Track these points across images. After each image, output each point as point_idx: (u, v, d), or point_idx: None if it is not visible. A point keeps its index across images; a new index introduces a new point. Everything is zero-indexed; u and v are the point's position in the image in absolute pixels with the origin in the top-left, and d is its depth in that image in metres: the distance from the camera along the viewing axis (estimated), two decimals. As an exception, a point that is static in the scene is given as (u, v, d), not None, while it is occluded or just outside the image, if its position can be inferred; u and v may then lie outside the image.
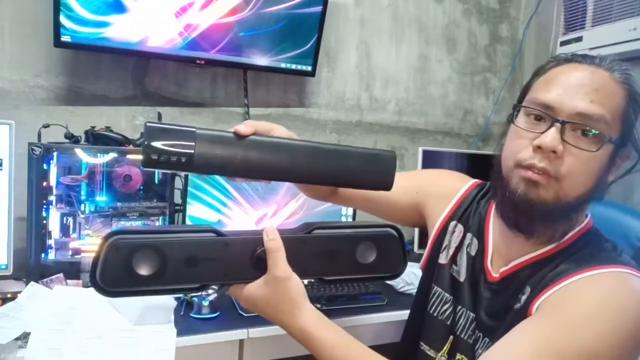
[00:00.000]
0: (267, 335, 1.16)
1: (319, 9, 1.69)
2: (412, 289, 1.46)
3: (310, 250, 0.61)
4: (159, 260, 0.53)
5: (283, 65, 1.70)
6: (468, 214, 0.87)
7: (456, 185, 0.91)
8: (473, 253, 0.83)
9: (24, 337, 0.97)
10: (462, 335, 0.79)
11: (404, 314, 1.31)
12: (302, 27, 1.69)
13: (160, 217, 1.42)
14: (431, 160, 1.81)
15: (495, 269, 0.78)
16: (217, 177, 1.48)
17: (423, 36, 2.07)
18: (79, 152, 1.32)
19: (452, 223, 0.88)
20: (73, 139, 1.37)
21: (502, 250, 0.78)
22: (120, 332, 1.02)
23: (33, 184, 1.26)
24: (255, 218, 1.54)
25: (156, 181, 1.43)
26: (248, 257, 0.58)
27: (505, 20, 2.26)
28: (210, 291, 0.61)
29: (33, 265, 1.26)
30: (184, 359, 1.03)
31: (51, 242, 1.31)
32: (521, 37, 2.25)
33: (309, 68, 1.75)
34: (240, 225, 1.51)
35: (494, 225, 0.81)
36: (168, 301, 1.11)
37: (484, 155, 1.95)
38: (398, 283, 1.50)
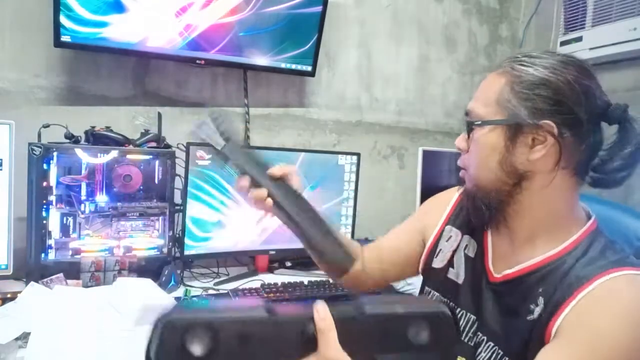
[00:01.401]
0: (267, 335, 1.16)
1: (319, 9, 1.69)
2: (412, 289, 1.47)
3: (361, 329, 0.59)
4: (212, 339, 0.52)
5: (283, 65, 1.70)
6: (463, 218, 0.87)
7: (449, 195, 0.94)
8: (472, 254, 0.83)
9: (24, 337, 0.97)
10: (463, 338, 0.79)
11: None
12: (302, 27, 1.69)
13: (160, 217, 1.42)
14: (431, 160, 1.81)
15: (498, 270, 0.77)
16: (217, 177, 1.48)
17: (423, 36, 2.07)
18: (79, 152, 1.32)
19: (447, 228, 0.89)
20: (73, 139, 1.37)
21: (506, 253, 0.78)
22: (120, 332, 1.02)
23: (33, 184, 1.26)
24: (256, 218, 1.54)
25: (156, 181, 1.43)
26: (299, 336, 0.56)
27: (505, 20, 2.26)
28: None
29: (33, 265, 1.26)
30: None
31: (51, 242, 1.31)
32: (521, 37, 2.25)
33: (309, 68, 1.75)
34: (240, 225, 1.51)
35: (490, 228, 0.82)
36: (168, 301, 1.11)
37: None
38: (398, 283, 1.50)
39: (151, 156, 1.41)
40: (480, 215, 0.76)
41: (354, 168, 1.71)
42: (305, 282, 1.40)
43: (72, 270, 1.30)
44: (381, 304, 0.62)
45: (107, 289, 1.17)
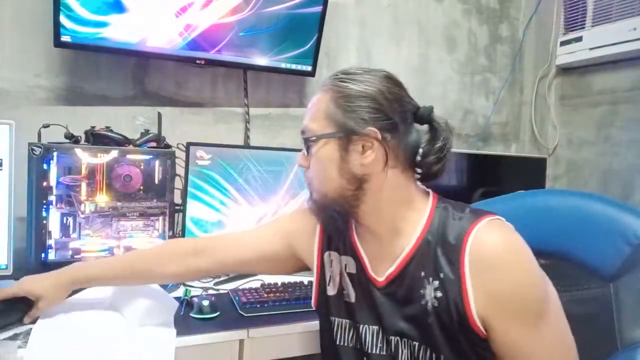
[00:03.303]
0: (267, 335, 1.16)
1: (319, 9, 1.69)
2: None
3: None
4: None
5: (283, 65, 1.70)
6: (334, 239, 0.91)
7: (310, 221, 0.94)
8: (354, 271, 0.87)
9: (24, 337, 0.97)
10: (374, 351, 0.82)
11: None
12: (302, 27, 1.69)
13: (160, 217, 1.42)
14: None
15: (381, 274, 0.82)
16: (217, 177, 1.48)
17: (423, 36, 2.07)
18: (79, 152, 1.32)
19: (327, 254, 0.92)
20: (73, 139, 1.37)
21: (380, 254, 0.83)
22: (121, 333, 1.01)
23: (33, 184, 1.26)
24: (256, 218, 1.54)
25: (156, 181, 1.43)
26: None
27: (505, 20, 2.26)
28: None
29: (33, 265, 1.26)
30: (184, 359, 1.03)
31: (51, 242, 1.30)
32: (521, 37, 2.25)
33: (309, 68, 1.75)
34: (240, 225, 1.51)
35: (359, 237, 0.87)
36: (170, 302, 1.10)
37: (483, 155, 1.95)
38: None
39: (151, 156, 1.41)
40: (335, 223, 0.82)
41: (354, 168, 1.71)
42: (305, 282, 1.40)
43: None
44: None
45: (108, 290, 1.17)
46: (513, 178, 1.95)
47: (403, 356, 0.80)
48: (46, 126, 1.35)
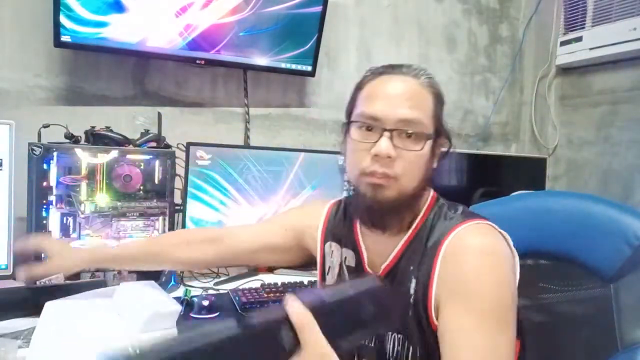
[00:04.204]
0: (267, 335, 1.16)
1: (319, 9, 1.69)
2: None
3: (327, 317, 0.55)
4: None
5: (283, 65, 1.70)
6: (337, 230, 0.92)
7: (319, 209, 0.97)
8: (353, 264, 0.88)
9: (25, 336, 0.97)
10: (364, 342, 0.83)
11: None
12: (302, 27, 1.69)
13: (160, 217, 1.42)
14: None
15: (377, 268, 0.83)
16: (217, 177, 1.49)
17: (423, 36, 2.07)
18: (79, 152, 1.32)
19: (328, 244, 0.93)
20: (73, 139, 1.37)
21: (377, 250, 0.84)
22: (122, 337, 1.01)
23: (33, 184, 1.26)
24: (256, 218, 1.54)
25: (156, 181, 1.43)
26: (277, 338, 0.51)
27: (505, 20, 2.26)
28: None
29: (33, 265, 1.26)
30: (184, 359, 1.03)
31: (51, 242, 1.31)
32: (521, 37, 2.25)
33: (309, 68, 1.75)
34: (240, 223, 1.52)
35: (361, 231, 0.87)
36: (174, 307, 1.10)
37: (483, 155, 1.95)
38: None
39: (151, 156, 1.41)
40: (389, 221, 0.80)
41: (354, 168, 1.71)
42: (305, 282, 1.40)
43: (72, 270, 1.30)
44: (332, 290, 0.62)
45: (111, 292, 1.17)
46: (513, 178, 1.95)
47: (390, 348, 0.80)
48: (46, 126, 1.35)
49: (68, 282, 1.26)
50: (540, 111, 2.20)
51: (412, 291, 0.77)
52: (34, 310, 1.05)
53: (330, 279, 0.92)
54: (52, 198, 1.30)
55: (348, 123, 0.82)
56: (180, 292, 1.33)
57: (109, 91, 1.58)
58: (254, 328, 0.50)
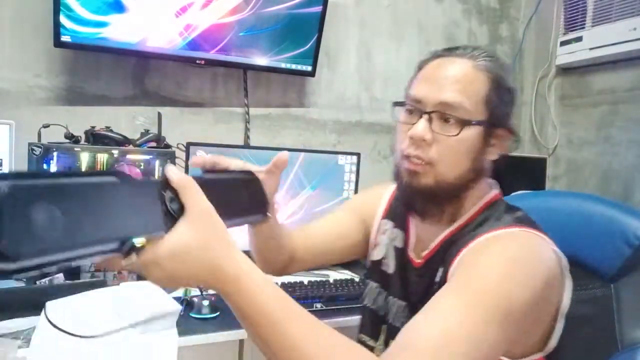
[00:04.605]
0: (267, 335, 1.16)
1: (319, 9, 1.69)
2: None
3: (206, 193, 0.55)
4: (64, 215, 0.41)
5: (283, 65, 1.70)
6: (395, 209, 0.91)
7: (385, 188, 0.96)
8: (400, 245, 0.87)
9: (25, 336, 0.97)
10: (395, 324, 0.83)
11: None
12: (302, 27, 1.69)
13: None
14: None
15: (418, 255, 0.82)
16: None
17: (423, 36, 2.07)
18: (78, 152, 1.32)
19: (384, 221, 0.93)
20: (73, 139, 1.37)
21: (423, 237, 0.82)
22: (123, 337, 1.01)
23: (33, 184, 1.26)
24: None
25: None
26: (159, 203, 0.49)
27: (505, 20, 2.26)
28: (127, 258, 0.46)
29: (33, 265, 1.26)
30: (184, 359, 1.03)
31: (51, 242, 1.30)
32: (521, 37, 2.25)
33: (309, 68, 1.75)
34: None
35: (413, 216, 0.85)
36: (173, 307, 1.10)
37: (484, 155, 1.95)
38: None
39: (151, 156, 1.41)
40: (427, 209, 0.76)
41: (354, 168, 1.71)
42: (305, 282, 1.40)
43: (72, 270, 1.30)
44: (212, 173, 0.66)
45: (111, 293, 1.17)
46: (513, 178, 1.94)
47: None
48: (46, 126, 1.35)
49: (68, 282, 1.26)
50: (540, 111, 2.20)
51: (437, 279, 0.74)
52: (34, 310, 1.05)
53: (376, 255, 0.91)
54: (52, 198, 1.30)
55: (396, 104, 0.80)
56: (180, 292, 1.33)
57: (109, 91, 1.58)
58: (133, 181, 0.49)
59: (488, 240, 0.69)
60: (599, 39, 1.83)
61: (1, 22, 1.43)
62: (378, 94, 2.01)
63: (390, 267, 0.88)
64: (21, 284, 1.28)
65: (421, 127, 0.72)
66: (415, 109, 0.74)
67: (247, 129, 1.78)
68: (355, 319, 1.25)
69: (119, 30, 1.45)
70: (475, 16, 2.18)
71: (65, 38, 1.39)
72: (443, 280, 0.71)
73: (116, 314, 1.07)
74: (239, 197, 0.66)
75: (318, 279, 1.47)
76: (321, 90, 1.91)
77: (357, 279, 1.49)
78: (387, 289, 0.87)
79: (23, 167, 1.26)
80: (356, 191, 1.72)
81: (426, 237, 0.81)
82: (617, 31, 1.75)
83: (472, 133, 0.72)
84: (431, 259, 0.79)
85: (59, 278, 1.25)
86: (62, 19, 1.37)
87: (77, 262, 0.43)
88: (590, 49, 1.86)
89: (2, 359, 0.92)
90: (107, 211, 0.45)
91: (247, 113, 1.78)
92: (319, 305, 1.28)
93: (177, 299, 1.20)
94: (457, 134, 0.71)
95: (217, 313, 1.20)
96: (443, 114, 0.71)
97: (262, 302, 0.52)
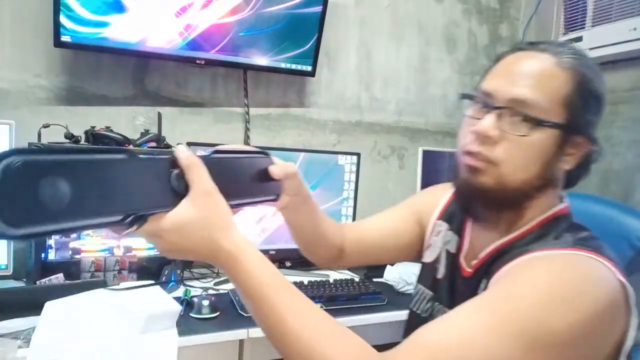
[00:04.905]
0: (267, 335, 1.16)
1: (319, 9, 1.69)
2: (412, 289, 1.46)
3: (213, 174, 0.57)
4: (72, 188, 0.43)
5: (283, 65, 1.70)
6: (452, 212, 0.87)
7: (445, 189, 0.92)
8: (453, 250, 0.83)
9: (25, 336, 0.97)
10: (415, 310, 0.81)
11: (403, 314, 1.32)
12: (302, 27, 1.69)
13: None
14: (431, 160, 1.81)
15: (469, 264, 0.77)
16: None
17: (423, 36, 2.07)
18: (79, 152, 1.32)
19: (439, 222, 0.89)
20: (73, 139, 1.37)
21: (477, 244, 0.77)
22: (123, 337, 1.01)
23: (33, 184, 1.26)
24: (256, 218, 1.54)
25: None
26: (166, 180, 0.52)
27: (505, 20, 2.26)
28: (128, 229, 0.50)
29: (33, 265, 1.26)
30: (184, 359, 1.03)
31: (51, 242, 1.30)
32: (521, 37, 2.25)
33: (309, 68, 1.75)
34: (239, 224, 1.51)
35: (470, 221, 0.81)
36: (173, 307, 1.10)
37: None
38: (398, 283, 1.50)
39: (151, 156, 1.41)
40: (483, 212, 0.71)
41: (354, 168, 1.71)
42: (306, 282, 1.40)
43: (72, 271, 1.30)
44: (228, 153, 0.65)
45: (111, 293, 1.17)
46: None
47: None
48: (46, 126, 1.35)
49: (68, 282, 1.26)
50: (540, 111, 2.20)
51: (478, 292, 0.69)
52: (34, 310, 1.05)
53: (428, 257, 0.88)
54: (52, 198, 1.30)
55: (464, 97, 0.74)
56: (180, 292, 1.33)
57: (109, 91, 1.58)
58: (143, 159, 0.51)
59: (538, 259, 0.63)
60: (599, 39, 1.83)
61: (1, 22, 1.43)
62: (378, 94, 2.01)
63: (440, 272, 0.84)
64: (21, 284, 1.29)
65: (488, 122, 0.66)
66: (485, 103, 0.68)
67: (247, 129, 1.78)
68: (355, 319, 1.26)
69: (119, 30, 1.45)
70: (475, 16, 2.18)
71: (65, 38, 1.39)
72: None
73: (116, 314, 1.07)
74: (250, 176, 0.68)
75: (318, 279, 1.47)
76: (321, 90, 1.91)
77: (357, 279, 1.49)
78: (435, 295, 0.84)
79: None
80: (356, 191, 1.72)
81: (479, 244, 0.76)
82: (617, 31, 1.75)
83: (545, 136, 0.65)
84: (479, 269, 0.74)
85: (59, 278, 1.26)
86: (62, 19, 1.37)
87: (80, 231, 0.46)
88: (590, 49, 1.86)
89: (2, 359, 0.92)
90: (114, 186, 0.47)
91: (247, 113, 1.78)
92: (318, 305, 1.29)
93: (177, 299, 1.20)
94: (528, 134, 0.64)
95: (217, 313, 1.20)
96: (514, 110, 0.65)
97: (255, 278, 0.54)
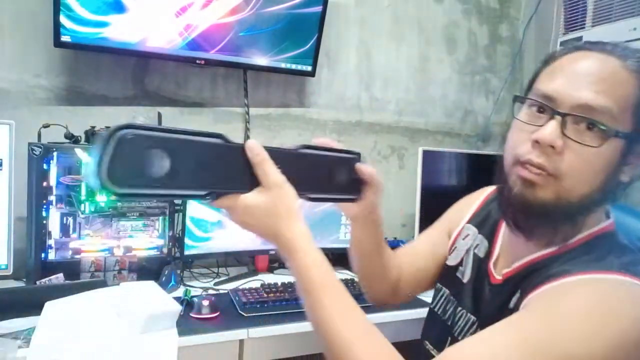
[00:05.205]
0: (267, 335, 1.16)
1: (319, 9, 1.69)
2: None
3: (296, 166, 0.63)
4: (171, 161, 0.51)
5: (283, 65, 1.70)
6: (484, 217, 0.84)
7: (478, 194, 0.90)
8: (482, 255, 0.79)
9: (25, 336, 0.97)
10: (459, 338, 0.77)
11: (404, 314, 1.32)
12: (302, 27, 1.69)
13: (160, 217, 1.42)
14: (431, 160, 1.81)
15: (499, 272, 0.74)
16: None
17: (423, 36, 2.07)
18: (79, 152, 1.32)
19: (467, 226, 0.86)
20: (73, 139, 1.37)
21: (510, 252, 0.73)
22: (123, 337, 1.01)
23: (33, 184, 1.26)
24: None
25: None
26: (249, 167, 0.59)
27: (505, 20, 2.26)
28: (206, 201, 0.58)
29: (33, 265, 1.26)
30: (184, 359, 1.03)
31: (51, 242, 1.31)
32: (521, 37, 2.25)
33: (309, 68, 1.75)
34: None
35: (505, 226, 0.77)
36: (173, 307, 1.10)
37: (484, 155, 1.95)
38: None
39: (151, 156, 1.41)
40: (537, 228, 0.65)
41: (354, 168, 1.71)
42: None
43: (72, 271, 1.30)
44: (314, 149, 0.69)
45: (112, 293, 1.17)
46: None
47: (460, 324, 0.75)
48: (46, 126, 1.35)
49: (68, 282, 1.26)
50: (540, 111, 2.20)
51: (511, 304, 0.65)
52: (34, 310, 1.05)
53: (452, 260, 0.85)
54: (52, 198, 1.30)
55: (516, 99, 0.68)
56: (180, 292, 1.33)
57: (109, 91, 1.58)
58: (234, 146, 0.58)
59: (579, 283, 0.58)
60: (599, 39, 1.83)
61: (1, 22, 1.43)
62: (378, 94, 2.01)
63: (465, 275, 0.80)
64: (21, 284, 1.29)
65: (550, 130, 0.59)
66: (546, 107, 0.62)
67: (247, 129, 1.78)
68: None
69: (119, 30, 1.45)
70: (475, 16, 2.18)
71: (65, 38, 1.39)
72: (516, 307, 0.63)
73: (116, 314, 1.07)
74: (334, 173, 0.70)
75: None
76: (321, 90, 1.91)
77: (357, 279, 1.49)
78: (458, 299, 0.80)
79: (23, 167, 1.26)
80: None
81: (512, 253, 0.71)
82: (617, 31, 1.75)
83: (612, 146, 0.59)
84: (510, 279, 0.69)
85: (59, 278, 1.26)
86: (62, 19, 1.37)
87: (168, 199, 0.53)
88: (590, 49, 1.86)
89: (2, 359, 0.92)
90: (206, 164, 0.54)
91: (247, 113, 1.78)
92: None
93: (177, 299, 1.20)
94: (600, 146, 0.58)
95: (217, 313, 1.20)
96: (583, 118, 0.59)
97: (308, 270, 0.59)
